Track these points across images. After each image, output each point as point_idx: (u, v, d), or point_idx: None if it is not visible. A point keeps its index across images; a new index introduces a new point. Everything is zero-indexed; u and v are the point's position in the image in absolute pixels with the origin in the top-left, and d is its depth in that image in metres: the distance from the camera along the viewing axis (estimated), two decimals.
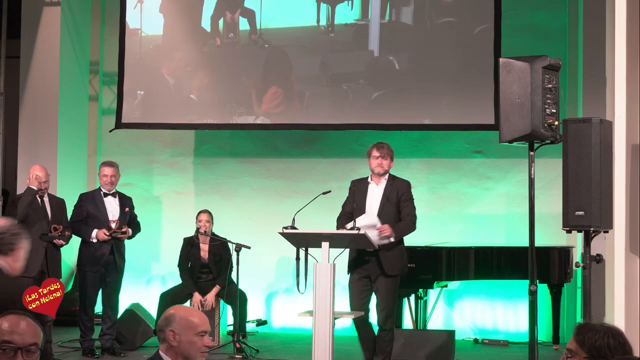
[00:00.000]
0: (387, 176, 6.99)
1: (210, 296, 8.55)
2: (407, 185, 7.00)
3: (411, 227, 6.84)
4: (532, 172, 5.95)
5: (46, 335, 7.35)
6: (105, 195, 8.10)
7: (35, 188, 7.79)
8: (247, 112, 9.77)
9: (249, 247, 8.19)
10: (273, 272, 10.08)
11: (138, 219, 8.36)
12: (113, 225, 7.97)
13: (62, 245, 7.79)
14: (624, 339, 3.13)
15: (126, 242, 8.23)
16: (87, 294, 8.00)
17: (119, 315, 8.29)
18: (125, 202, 8.24)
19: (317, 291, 6.54)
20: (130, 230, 8.15)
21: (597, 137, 5.92)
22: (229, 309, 8.67)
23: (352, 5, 9.68)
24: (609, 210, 6.02)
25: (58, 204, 7.96)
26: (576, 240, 8.51)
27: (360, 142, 10.17)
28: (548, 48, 9.22)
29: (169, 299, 8.42)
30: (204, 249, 8.67)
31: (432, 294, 8.76)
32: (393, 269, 6.77)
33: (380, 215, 6.80)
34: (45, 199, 7.89)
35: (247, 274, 8.77)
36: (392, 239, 6.70)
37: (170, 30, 9.97)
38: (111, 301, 8.08)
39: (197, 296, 8.54)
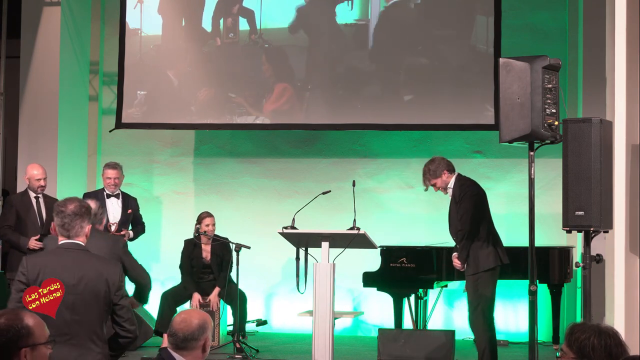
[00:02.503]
0: (452, 182, 6.89)
1: (214, 297, 8.54)
2: (457, 186, 6.85)
3: (462, 242, 6.76)
4: (532, 172, 5.95)
5: None
6: (109, 196, 8.10)
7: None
8: (248, 111, 9.76)
9: (248, 247, 8.20)
10: (273, 272, 10.08)
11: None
12: (113, 228, 7.96)
13: None
14: (614, 341, 3.11)
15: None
16: None
17: None
18: (129, 203, 8.24)
19: (317, 291, 6.55)
20: (130, 233, 8.14)
21: (597, 137, 5.91)
22: (228, 309, 8.67)
23: (352, 5, 9.68)
24: (609, 210, 6.01)
25: (53, 204, 7.91)
26: (576, 240, 8.50)
27: (360, 142, 10.18)
28: (548, 48, 9.22)
29: (170, 298, 8.43)
30: (206, 249, 8.66)
31: (432, 294, 8.76)
32: (473, 268, 6.76)
33: (449, 224, 6.89)
34: (41, 200, 7.85)
35: (247, 274, 8.77)
36: (464, 266, 6.79)
37: (170, 31, 9.97)
38: None
39: (196, 296, 8.52)
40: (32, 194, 7.92)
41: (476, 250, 6.72)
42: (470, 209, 6.72)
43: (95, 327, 4.17)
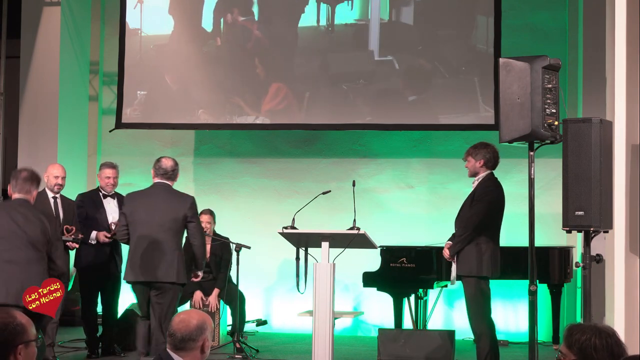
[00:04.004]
0: (480, 177, 6.77)
1: (213, 298, 8.55)
2: (482, 186, 6.73)
3: (460, 237, 6.67)
4: (532, 172, 5.95)
5: (50, 337, 7.33)
6: (105, 196, 8.05)
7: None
8: (248, 111, 9.77)
9: (249, 247, 8.19)
10: (273, 272, 10.08)
11: None
12: (113, 227, 7.94)
13: (74, 248, 7.72)
14: (614, 340, 3.11)
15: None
16: (87, 295, 7.98)
17: (118, 315, 8.29)
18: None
19: (317, 291, 6.55)
20: None
21: (597, 137, 5.91)
22: (228, 309, 8.66)
23: (352, 5, 9.69)
24: (609, 210, 6.01)
25: (69, 205, 7.86)
26: (576, 240, 8.51)
27: (360, 142, 10.18)
28: (548, 48, 9.22)
29: None
30: (206, 248, 8.65)
31: (432, 294, 8.76)
32: (461, 269, 6.69)
33: (458, 213, 6.80)
34: (59, 200, 7.81)
35: (247, 274, 8.77)
36: (449, 257, 6.74)
37: (170, 31, 9.97)
38: (110, 302, 8.06)
39: (198, 294, 8.54)
40: (49, 194, 7.84)
41: (479, 254, 6.67)
42: (481, 214, 6.66)
43: (37, 261, 5.80)
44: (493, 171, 6.82)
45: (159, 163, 6.85)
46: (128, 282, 6.80)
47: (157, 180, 6.83)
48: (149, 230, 6.67)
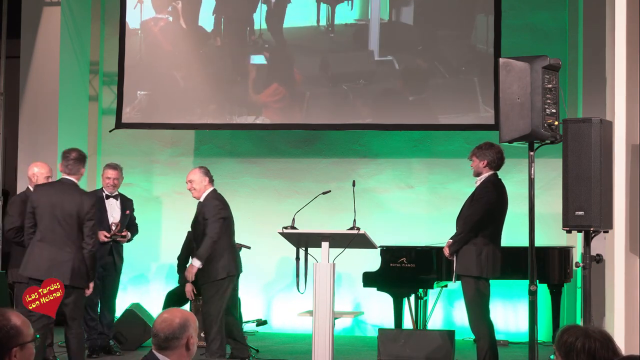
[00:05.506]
0: (483, 177, 6.79)
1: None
2: (481, 187, 6.77)
3: (457, 236, 6.73)
4: (532, 172, 5.95)
5: (49, 337, 7.32)
6: (107, 197, 8.07)
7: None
8: (248, 111, 9.77)
9: (249, 247, 8.19)
10: (273, 272, 10.08)
11: (138, 220, 8.33)
12: (114, 228, 7.94)
13: None
14: (600, 344, 3.08)
15: (125, 243, 8.19)
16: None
17: (119, 315, 8.29)
18: (127, 204, 8.19)
19: (317, 291, 6.55)
20: (129, 234, 8.12)
21: (597, 137, 5.91)
22: None
23: (352, 5, 9.69)
24: (609, 210, 6.01)
25: None
26: (576, 240, 8.50)
27: (360, 142, 10.18)
28: (548, 48, 9.22)
29: (176, 298, 8.39)
30: None
31: (432, 294, 8.76)
32: (459, 268, 6.72)
33: (459, 212, 6.84)
34: None
35: (247, 274, 8.75)
36: (449, 256, 6.80)
37: (171, 31, 9.97)
38: (108, 302, 8.06)
39: (189, 286, 8.48)
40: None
41: (476, 255, 6.68)
42: (478, 214, 6.67)
43: (72, 236, 6.48)
44: (497, 172, 6.82)
45: (209, 172, 7.65)
46: (233, 275, 7.42)
47: (213, 187, 7.61)
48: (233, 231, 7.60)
